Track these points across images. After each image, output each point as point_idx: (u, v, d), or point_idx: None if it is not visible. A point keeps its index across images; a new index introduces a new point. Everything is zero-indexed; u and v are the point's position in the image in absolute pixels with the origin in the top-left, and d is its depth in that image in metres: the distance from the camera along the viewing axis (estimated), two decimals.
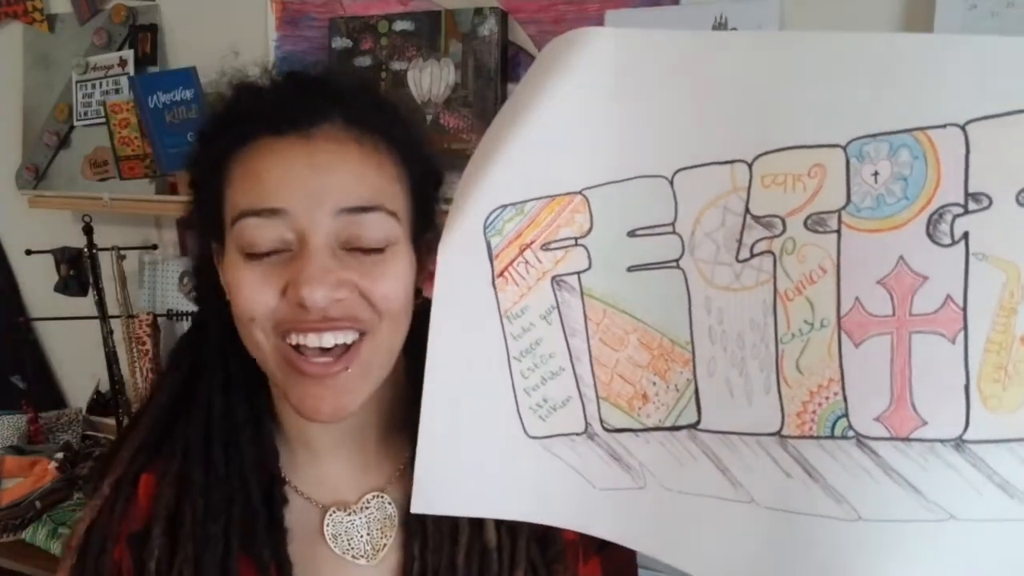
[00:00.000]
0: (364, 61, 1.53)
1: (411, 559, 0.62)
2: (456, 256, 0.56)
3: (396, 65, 1.51)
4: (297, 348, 0.56)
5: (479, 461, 0.59)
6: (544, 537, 0.63)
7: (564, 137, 0.54)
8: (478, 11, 1.46)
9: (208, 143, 0.60)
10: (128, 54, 1.80)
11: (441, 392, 0.57)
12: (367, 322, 0.57)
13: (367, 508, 0.64)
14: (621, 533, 0.59)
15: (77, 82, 1.87)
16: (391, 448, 0.66)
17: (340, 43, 1.56)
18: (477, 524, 0.62)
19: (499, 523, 0.62)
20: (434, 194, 0.63)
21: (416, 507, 0.59)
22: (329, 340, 0.56)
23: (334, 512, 0.63)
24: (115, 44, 1.84)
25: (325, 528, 0.63)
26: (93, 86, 1.85)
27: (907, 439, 0.46)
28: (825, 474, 0.49)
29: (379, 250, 0.57)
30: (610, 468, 0.58)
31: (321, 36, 1.60)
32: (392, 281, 0.57)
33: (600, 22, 1.38)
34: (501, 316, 0.57)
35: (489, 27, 1.46)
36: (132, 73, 1.79)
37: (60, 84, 1.92)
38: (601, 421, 0.58)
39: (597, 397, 0.57)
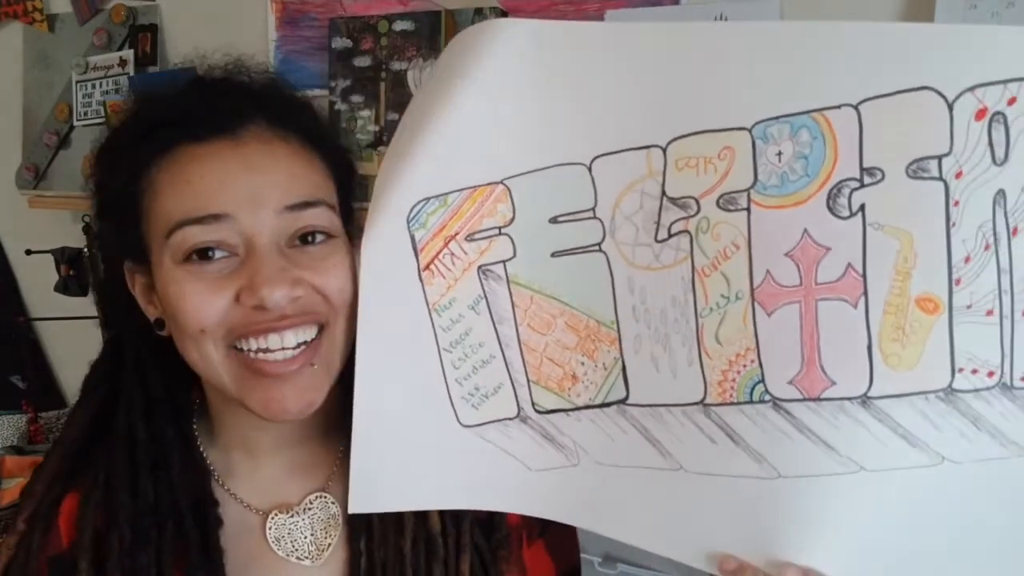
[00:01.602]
0: (364, 61, 1.51)
1: (357, 555, 0.61)
2: (380, 251, 0.56)
3: (396, 65, 1.49)
4: (258, 351, 0.55)
5: (414, 455, 0.59)
6: (488, 522, 0.64)
7: (483, 128, 0.55)
8: (478, 11, 1.44)
9: (117, 159, 0.58)
10: (128, 54, 1.77)
11: (373, 389, 0.57)
12: (324, 315, 0.57)
13: (310, 509, 0.63)
14: (559, 511, 0.60)
15: (77, 82, 1.82)
16: (329, 445, 0.65)
17: (340, 43, 1.54)
18: (421, 513, 0.62)
19: (442, 510, 0.62)
20: (351, 187, 0.63)
21: (354, 507, 0.59)
22: (291, 339, 0.55)
23: (276, 515, 0.62)
24: (115, 44, 1.80)
25: (267, 532, 0.62)
26: (93, 86, 1.81)
27: (818, 399, 0.50)
28: (746, 437, 0.53)
29: (324, 243, 0.57)
30: (544, 449, 0.60)
31: (321, 36, 1.58)
32: (342, 273, 0.57)
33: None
34: (430, 309, 0.57)
35: None
36: (132, 73, 1.75)
37: (60, 84, 1.86)
38: (533, 404, 0.59)
39: (528, 381, 0.59)
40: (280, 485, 0.63)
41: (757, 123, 0.50)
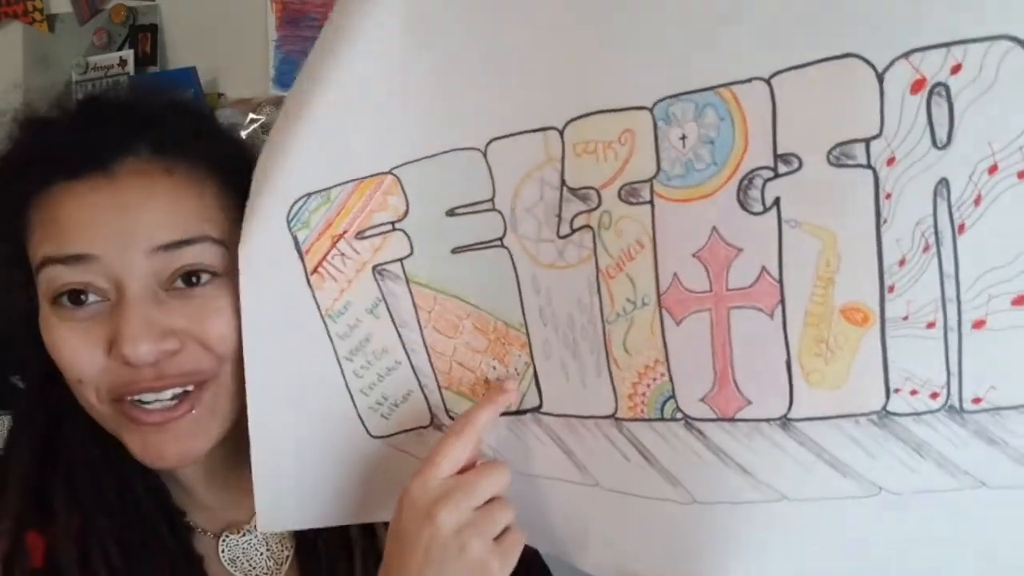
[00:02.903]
0: None
1: (311, 566, 0.59)
2: (260, 256, 0.51)
3: None
4: (134, 403, 0.52)
5: (323, 470, 0.56)
6: None
7: (362, 112, 0.49)
8: None
9: (2, 191, 0.54)
10: (128, 54, 1.77)
11: (266, 405, 0.53)
12: (208, 371, 0.52)
13: None
14: None
15: (77, 82, 1.81)
16: None
17: None
18: (369, 533, 0.60)
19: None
20: None
21: (263, 526, 0.56)
22: (168, 396, 0.52)
23: (227, 536, 0.60)
24: (115, 44, 1.80)
25: (221, 555, 0.59)
26: (93, 86, 1.77)
27: (733, 419, 0.44)
28: (659, 457, 0.47)
29: (209, 283, 0.52)
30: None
31: None
32: (228, 318, 0.52)
33: None
34: (323, 316, 0.53)
35: None
36: (132, 73, 1.75)
37: (60, 84, 1.82)
38: (447, 411, 0.54)
39: (439, 387, 0.54)
40: (225, 507, 0.60)
41: (659, 101, 0.42)
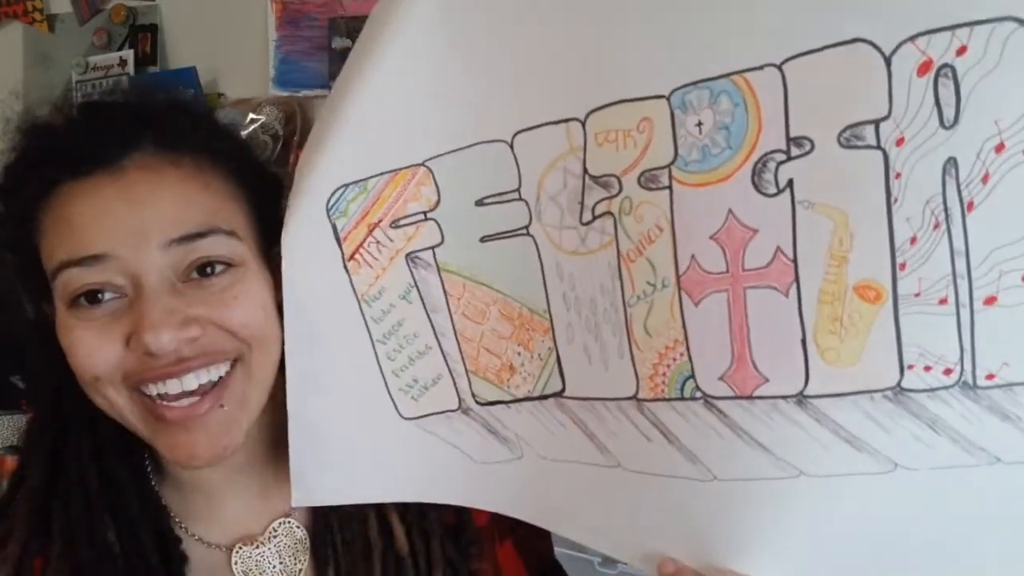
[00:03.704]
0: None
1: None
2: (301, 242, 0.54)
3: None
4: (158, 397, 0.52)
5: (355, 447, 0.58)
6: (456, 525, 0.61)
7: (398, 106, 0.52)
8: None
9: (10, 198, 0.55)
10: (128, 54, 1.80)
11: (305, 382, 0.56)
12: (232, 352, 0.53)
13: (275, 536, 0.60)
14: (505, 505, 0.58)
15: (77, 82, 1.86)
16: (287, 472, 0.60)
17: (340, 43, 1.56)
18: (387, 534, 0.60)
19: (409, 527, 0.59)
20: (277, 203, 0.58)
21: (297, 500, 0.59)
22: (192, 381, 0.52)
23: (240, 548, 0.59)
24: (115, 44, 1.83)
25: (234, 567, 0.59)
26: (93, 86, 1.83)
27: (751, 397, 0.45)
28: (680, 436, 0.48)
29: (224, 273, 0.53)
30: (487, 441, 0.57)
31: (321, 36, 1.60)
32: (247, 304, 0.53)
33: None
34: (359, 300, 0.55)
35: None
36: (132, 73, 1.78)
37: (60, 84, 1.90)
38: (473, 396, 0.57)
39: (467, 372, 0.56)
40: (240, 517, 0.60)
41: (675, 90, 0.44)
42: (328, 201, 0.54)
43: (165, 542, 0.58)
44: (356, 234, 0.54)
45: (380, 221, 0.54)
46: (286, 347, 0.56)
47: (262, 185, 0.58)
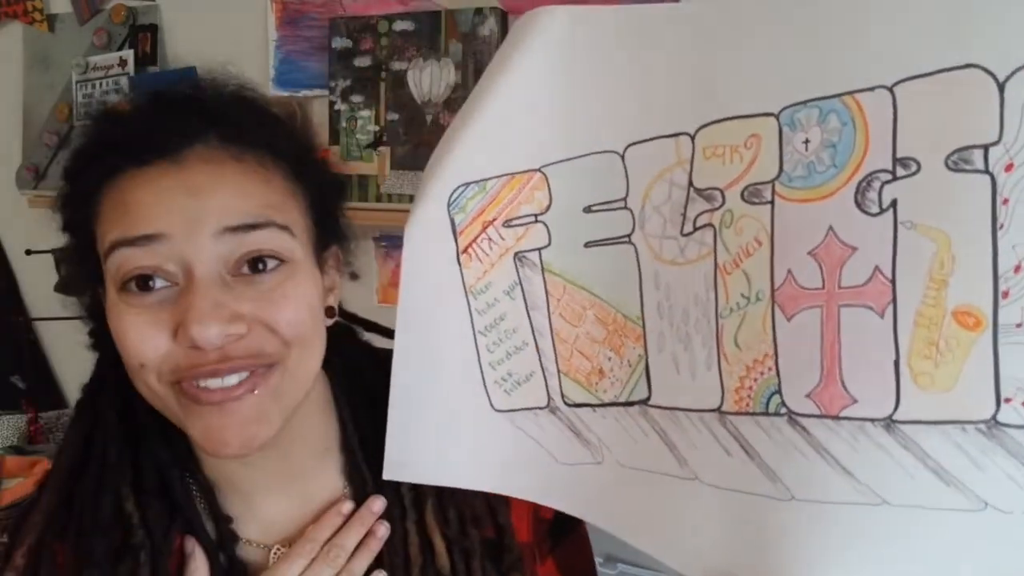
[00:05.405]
0: (364, 61, 1.54)
1: None
2: (422, 234, 0.59)
3: (396, 65, 1.52)
4: (197, 388, 0.52)
5: (447, 432, 0.61)
6: (497, 542, 0.61)
7: (522, 115, 0.56)
8: (478, 11, 1.46)
9: (74, 181, 0.57)
10: (128, 54, 1.78)
11: (409, 362, 0.60)
12: (274, 355, 0.53)
13: None
14: (580, 508, 0.59)
15: (77, 82, 1.84)
16: (328, 474, 0.62)
17: (340, 43, 1.57)
18: (428, 550, 0.60)
19: (450, 544, 0.60)
20: (336, 205, 0.60)
21: (388, 474, 0.62)
22: (233, 380, 0.52)
23: (278, 550, 0.60)
24: (115, 44, 1.81)
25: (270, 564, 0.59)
26: (93, 86, 1.81)
27: (837, 417, 0.44)
28: (760, 452, 0.48)
29: (275, 270, 0.53)
30: (571, 443, 0.59)
31: (321, 36, 1.61)
32: (295, 304, 0.53)
33: None
34: (466, 291, 0.59)
35: (489, 27, 1.46)
36: (132, 73, 1.77)
37: (60, 84, 1.89)
38: (562, 396, 0.59)
39: (558, 372, 0.58)
40: (279, 519, 0.61)
41: (784, 108, 0.46)
42: (450, 197, 0.58)
43: (216, 519, 0.59)
44: (471, 230, 0.59)
45: (494, 220, 0.58)
46: (397, 328, 0.60)
47: (321, 186, 0.59)
